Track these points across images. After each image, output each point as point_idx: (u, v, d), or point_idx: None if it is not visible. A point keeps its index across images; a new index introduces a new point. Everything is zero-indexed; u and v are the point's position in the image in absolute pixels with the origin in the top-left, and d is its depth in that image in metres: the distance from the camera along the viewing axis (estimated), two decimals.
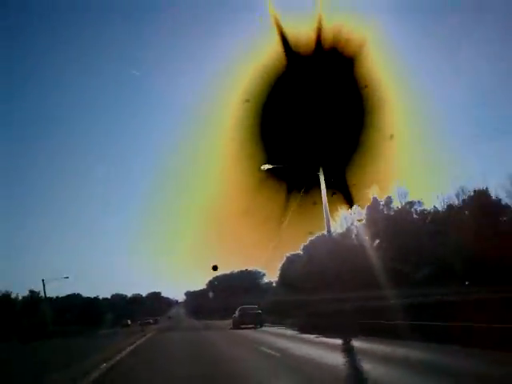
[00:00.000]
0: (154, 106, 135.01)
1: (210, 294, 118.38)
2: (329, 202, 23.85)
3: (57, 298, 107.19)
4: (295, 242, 50.08)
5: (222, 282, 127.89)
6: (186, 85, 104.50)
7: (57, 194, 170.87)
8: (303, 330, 22.71)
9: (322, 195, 23.25)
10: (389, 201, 34.99)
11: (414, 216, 33.62)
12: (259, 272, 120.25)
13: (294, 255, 48.65)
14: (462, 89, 64.51)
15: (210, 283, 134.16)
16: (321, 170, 23.56)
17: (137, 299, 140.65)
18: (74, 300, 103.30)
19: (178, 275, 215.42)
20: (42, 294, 56.29)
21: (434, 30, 53.98)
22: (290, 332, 23.91)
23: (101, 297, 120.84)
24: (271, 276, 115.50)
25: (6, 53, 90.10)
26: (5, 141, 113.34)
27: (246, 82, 27.26)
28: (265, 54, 24.42)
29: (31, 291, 56.59)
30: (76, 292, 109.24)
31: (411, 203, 33.85)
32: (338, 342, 15.77)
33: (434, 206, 33.18)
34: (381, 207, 34.43)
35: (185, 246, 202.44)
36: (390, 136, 25.86)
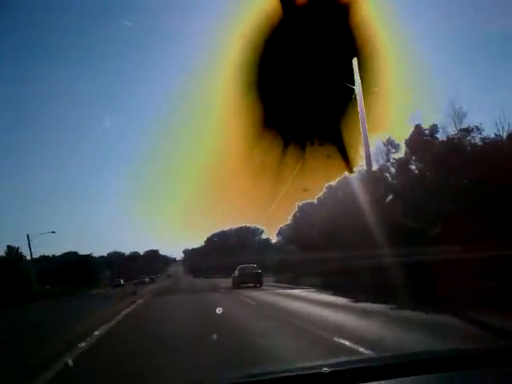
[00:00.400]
0: (150, 58, 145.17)
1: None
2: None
3: (53, 256, 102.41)
4: (295, 199, 46.78)
5: (220, 238, 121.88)
6: (180, 37, 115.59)
7: (51, 151, 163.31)
8: (348, 296, 16.50)
9: (358, 104, 19.42)
10: (435, 129, 26.97)
11: (468, 148, 25.59)
12: (258, 229, 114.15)
13: (306, 204, 41.17)
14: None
15: (209, 240, 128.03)
16: (355, 62, 20.92)
17: (134, 257, 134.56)
18: (70, 258, 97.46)
19: (176, 233, 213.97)
20: (25, 251, 49.06)
21: None
22: (331, 298, 17.58)
23: (98, 255, 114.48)
24: (270, 234, 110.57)
25: None
26: None
27: (241, 32, 27.41)
28: (258, 5, 24.57)
29: (9, 247, 48.83)
30: (73, 250, 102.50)
31: (467, 131, 25.63)
32: (442, 318, 10.01)
33: (497, 135, 25.06)
34: (425, 138, 26.41)
35: (183, 204, 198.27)
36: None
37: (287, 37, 24.21)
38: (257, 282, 30.29)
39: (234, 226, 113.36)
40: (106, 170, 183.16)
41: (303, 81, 25.26)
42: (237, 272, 31.99)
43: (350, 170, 28.46)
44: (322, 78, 24.48)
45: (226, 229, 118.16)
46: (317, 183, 35.54)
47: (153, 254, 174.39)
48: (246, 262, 35.75)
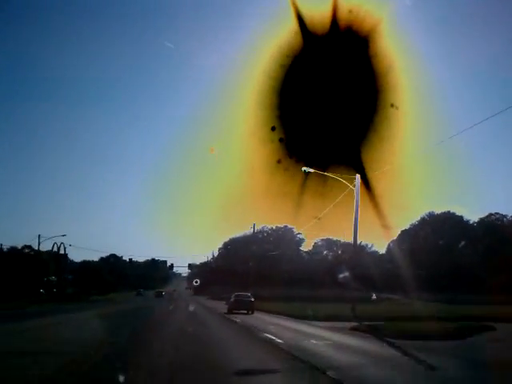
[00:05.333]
0: (183, 75, 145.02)
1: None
2: None
3: None
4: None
5: (241, 244, 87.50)
6: (211, 61, 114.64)
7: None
8: None
9: None
10: None
11: None
12: (297, 234, 79.68)
13: None
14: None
15: (225, 246, 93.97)
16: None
17: (124, 265, 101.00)
18: None
19: (187, 244, 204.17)
20: None
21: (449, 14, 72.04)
22: None
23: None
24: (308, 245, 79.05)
25: None
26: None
27: (266, 61, 30.29)
28: (282, 34, 27.00)
29: None
30: None
31: None
32: None
33: None
34: None
35: (201, 216, 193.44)
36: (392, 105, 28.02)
37: (306, 66, 27.49)
38: (249, 309, 36.14)
39: (267, 226, 79.01)
40: (119, 175, 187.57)
41: (324, 109, 28.64)
42: (232, 298, 38.58)
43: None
44: (341, 105, 27.79)
45: (248, 232, 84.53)
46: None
47: (152, 265, 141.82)
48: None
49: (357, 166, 29.74)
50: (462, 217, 73.93)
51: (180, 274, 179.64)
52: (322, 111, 28.64)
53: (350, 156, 30.69)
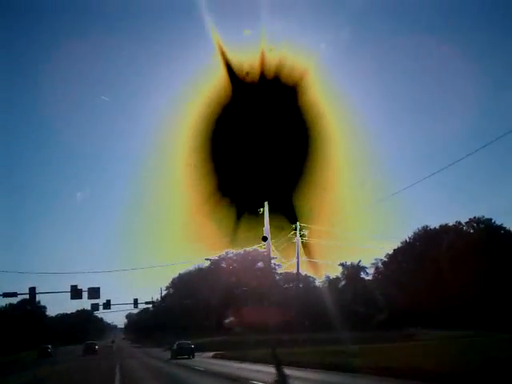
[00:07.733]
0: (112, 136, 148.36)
1: None
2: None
3: None
4: None
5: (191, 281, 71.98)
6: (137, 114, 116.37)
7: None
8: None
9: None
10: None
11: None
12: (272, 258, 64.48)
13: None
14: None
15: (174, 284, 77.56)
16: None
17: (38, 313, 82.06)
18: None
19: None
20: None
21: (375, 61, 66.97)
22: None
23: None
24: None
25: None
26: None
27: (195, 109, 31.21)
28: (211, 83, 27.98)
29: None
30: None
31: None
32: None
33: None
34: None
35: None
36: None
37: (235, 114, 28.50)
38: (190, 354, 42.57)
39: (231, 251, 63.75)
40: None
41: (254, 152, 29.33)
42: (175, 346, 44.28)
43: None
44: (272, 150, 29.18)
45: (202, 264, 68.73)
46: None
47: (86, 317, 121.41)
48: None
49: (290, 214, 35.86)
50: None
51: (115, 325, 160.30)
52: (253, 157, 29.80)
53: (282, 202, 33.90)
